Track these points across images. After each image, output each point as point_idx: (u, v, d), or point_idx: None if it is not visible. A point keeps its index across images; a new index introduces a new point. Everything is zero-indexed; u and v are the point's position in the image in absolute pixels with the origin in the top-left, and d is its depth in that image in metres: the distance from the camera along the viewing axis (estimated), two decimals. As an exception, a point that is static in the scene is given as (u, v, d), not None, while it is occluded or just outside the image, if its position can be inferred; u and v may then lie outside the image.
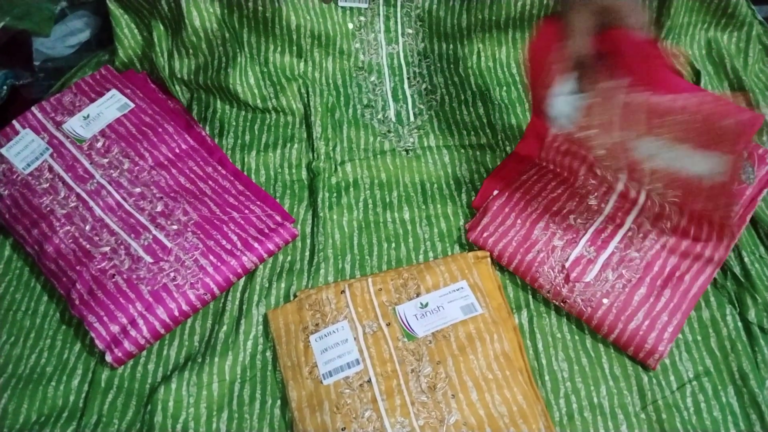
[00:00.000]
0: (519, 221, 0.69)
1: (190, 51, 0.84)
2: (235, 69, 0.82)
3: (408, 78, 0.88)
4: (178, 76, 0.85)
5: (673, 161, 0.59)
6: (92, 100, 0.79)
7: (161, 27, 0.86)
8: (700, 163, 0.58)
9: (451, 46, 0.90)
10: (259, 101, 0.83)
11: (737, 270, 0.67)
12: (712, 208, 0.63)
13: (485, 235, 0.68)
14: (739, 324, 0.64)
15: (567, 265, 0.65)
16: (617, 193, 0.69)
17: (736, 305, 0.65)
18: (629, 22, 0.57)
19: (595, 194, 0.70)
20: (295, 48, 0.86)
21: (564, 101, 0.61)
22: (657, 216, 0.67)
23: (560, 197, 0.70)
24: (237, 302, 0.67)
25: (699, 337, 0.64)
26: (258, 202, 0.73)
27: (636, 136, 0.59)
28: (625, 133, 0.59)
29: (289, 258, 0.71)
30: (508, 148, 0.80)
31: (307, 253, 0.71)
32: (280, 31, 0.84)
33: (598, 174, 0.71)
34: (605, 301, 0.62)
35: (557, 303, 0.64)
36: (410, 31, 0.89)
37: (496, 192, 0.72)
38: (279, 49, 0.86)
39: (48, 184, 0.73)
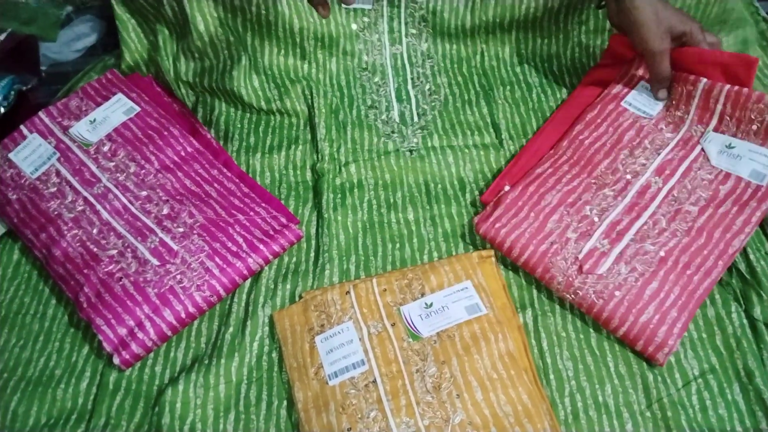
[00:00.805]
0: (533, 213, 0.69)
1: (196, 55, 0.85)
2: (239, 72, 0.82)
3: (411, 78, 0.88)
4: (184, 78, 0.86)
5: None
6: (98, 104, 0.80)
7: (166, 31, 0.86)
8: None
9: (455, 47, 0.90)
10: (263, 103, 0.83)
11: (743, 267, 0.67)
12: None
13: (497, 226, 0.68)
14: (745, 321, 0.64)
15: (580, 257, 0.64)
16: (636, 188, 0.69)
17: (742, 302, 0.65)
18: (702, 41, 0.73)
19: (613, 187, 0.70)
20: (298, 50, 0.86)
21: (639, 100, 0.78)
22: (674, 213, 0.67)
23: (576, 189, 0.70)
24: (243, 304, 0.68)
25: (704, 335, 0.63)
26: (263, 204, 0.73)
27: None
28: None
29: (294, 259, 0.71)
30: (512, 148, 0.80)
31: (312, 254, 0.71)
32: (284, 35, 0.84)
33: (620, 169, 0.71)
34: (617, 293, 0.62)
35: (568, 295, 0.64)
36: (414, 31, 0.90)
37: (507, 187, 0.72)
38: (282, 51, 0.86)
39: (55, 188, 0.73)
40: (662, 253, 0.64)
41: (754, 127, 0.70)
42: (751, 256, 0.68)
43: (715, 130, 0.72)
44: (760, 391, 0.59)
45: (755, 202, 0.67)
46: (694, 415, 0.58)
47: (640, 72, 0.79)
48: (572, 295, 0.64)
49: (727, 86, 0.71)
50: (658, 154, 0.72)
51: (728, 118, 0.72)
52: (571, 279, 0.64)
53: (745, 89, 0.70)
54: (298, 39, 0.85)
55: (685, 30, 0.72)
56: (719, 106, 0.72)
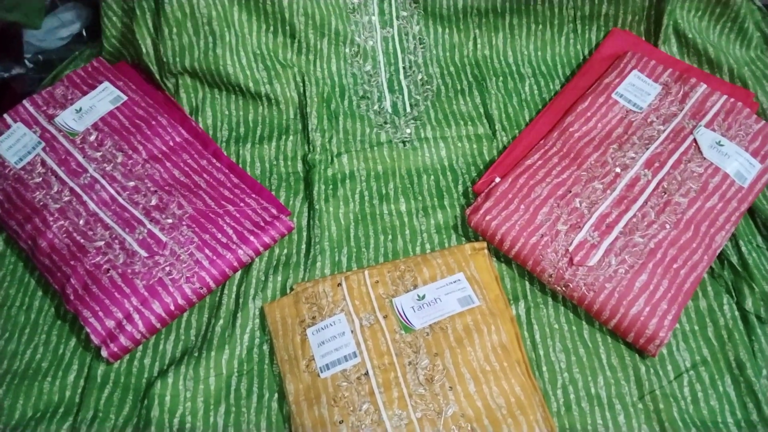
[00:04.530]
0: (523, 206, 0.68)
1: (174, 30, 0.80)
2: (225, 49, 0.79)
3: (404, 68, 0.87)
4: (164, 60, 0.82)
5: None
6: (84, 93, 0.79)
7: (144, 5, 0.82)
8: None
9: (447, 31, 0.89)
10: (251, 83, 0.80)
11: (734, 259, 0.67)
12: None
13: (488, 218, 0.68)
14: (736, 313, 0.64)
15: (571, 249, 0.64)
16: (625, 181, 0.69)
17: (733, 295, 0.65)
18: None
19: (602, 180, 0.70)
20: (288, 27, 0.83)
21: None
22: (663, 205, 0.67)
23: (565, 181, 0.70)
24: (233, 296, 0.67)
25: (696, 327, 0.64)
26: (253, 195, 0.72)
27: None
28: None
29: (285, 251, 0.70)
30: (504, 139, 0.80)
31: (304, 246, 0.71)
32: (272, 9, 0.82)
33: (609, 162, 0.71)
34: (608, 285, 0.62)
35: (559, 288, 0.64)
36: (405, 13, 0.88)
37: (498, 179, 0.72)
38: (271, 28, 0.83)
39: (41, 179, 0.72)
40: (651, 245, 0.64)
41: (738, 137, 0.72)
42: (743, 248, 0.68)
43: (707, 126, 0.73)
44: (751, 382, 0.59)
45: (736, 202, 0.68)
46: (685, 406, 0.59)
47: (633, 63, 0.79)
48: (563, 288, 0.64)
49: (725, 96, 0.74)
50: (647, 148, 0.72)
51: (720, 120, 0.73)
52: (561, 271, 0.64)
53: (740, 103, 0.74)
54: (287, 15, 0.82)
55: None
56: (714, 108, 0.74)
